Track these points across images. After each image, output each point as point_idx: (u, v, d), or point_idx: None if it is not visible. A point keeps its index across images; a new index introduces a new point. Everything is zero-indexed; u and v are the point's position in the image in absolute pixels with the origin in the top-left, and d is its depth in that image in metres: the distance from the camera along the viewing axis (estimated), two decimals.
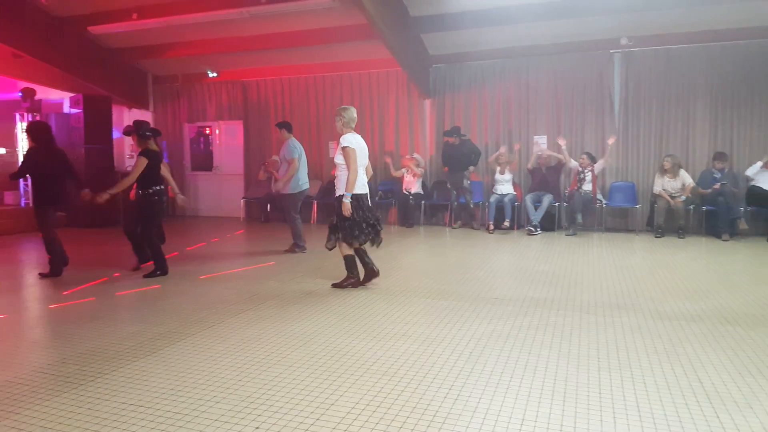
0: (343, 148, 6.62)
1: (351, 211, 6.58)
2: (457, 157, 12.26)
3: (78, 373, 4.24)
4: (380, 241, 7.02)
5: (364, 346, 4.80)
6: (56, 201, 7.97)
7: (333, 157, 7.32)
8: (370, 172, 7.12)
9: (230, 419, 3.48)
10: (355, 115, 6.89)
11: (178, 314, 5.87)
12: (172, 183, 8.87)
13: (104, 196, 7.70)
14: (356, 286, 6.95)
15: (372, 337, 5.05)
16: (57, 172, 7.92)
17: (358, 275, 6.98)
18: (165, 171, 8.39)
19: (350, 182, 6.57)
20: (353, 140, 6.69)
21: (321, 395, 3.81)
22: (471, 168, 12.40)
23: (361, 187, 6.75)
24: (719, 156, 10.94)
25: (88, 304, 6.33)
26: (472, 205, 12.40)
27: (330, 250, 7.01)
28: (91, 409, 3.64)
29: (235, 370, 4.26)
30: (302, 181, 9.39)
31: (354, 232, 6.69)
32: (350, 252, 6.87)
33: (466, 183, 12.25)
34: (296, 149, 9.33)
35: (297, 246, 9.51)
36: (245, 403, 3.70)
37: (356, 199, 6.67)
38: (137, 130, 7.85)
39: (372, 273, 6.99)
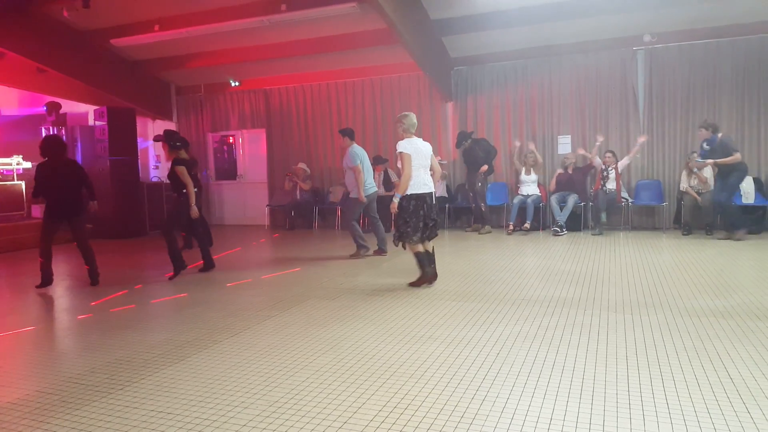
0: (399, 153, 7.09)
1: (398, 209, 7.02)
2: (470, 158, 12.26)
3: (107, 382, 4.27)
4: (431, 237, 7.27)
5: (390, 349, 4.80)
6: (62, 215, 7.91)
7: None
8: (439, 171, 7.61)
9: (258, 424, 3.49)
10: (415, 120, 7.34)
11: (205, 322, 5.90)
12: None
13: (194, 210, 8.25)
14: (431, 283, 7.24)
15: (398, 340, 5.04)
16: (67, 185, 7.90)
17: (428, 271, 7.22)
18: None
19: (402, 184, 7.03)
20: (408, 145, 7.07)
21: (348, 399, 3.80)
22: (485, 167, 12.25)
23: (422, 186, 7.09)
24: (704, 124, 10.40)
25: (117, 314, 6.39)
26: (484, 208, 12.31)
27: (396, 246, 7.34)
28: (120, 417, 3.67)
29: (262, 376, 4.27)
30: (368, 185, 9.43)
31: (408, 230, 7.04)
32: (419, 249, 7.16)
33: (478, 185, 12.19)
34: (357, 156, 9.32)
35: (361, 248, 9.47)
36: (273, 408, 3.71)
37: (416, 198, 7.04)
38: (168, 139, 8.34)
39: (430, 277, 7.30)
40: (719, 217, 10.63)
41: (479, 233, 12.06)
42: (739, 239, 9.93)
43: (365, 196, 9.34)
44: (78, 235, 8.01)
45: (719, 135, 10.18)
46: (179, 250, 8.38)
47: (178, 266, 8.31)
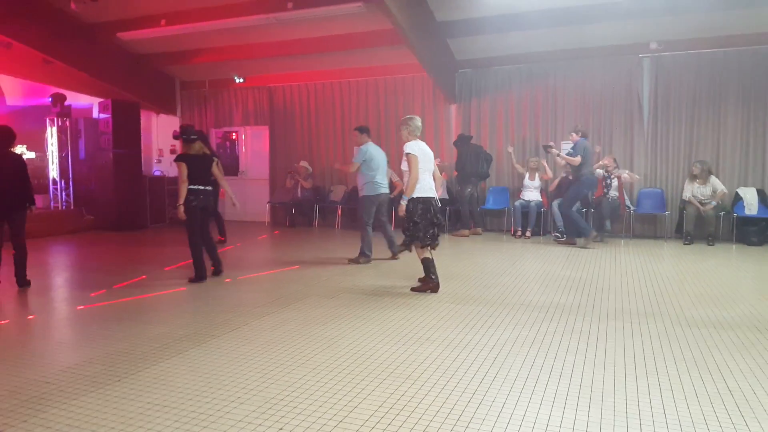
0: (406, 155, 7.02)
1: (406, 213, 6.93)
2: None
3: (104, 374, 4.27)
4: (437, 244, 7.14)
5: (387, 349, 4.79)
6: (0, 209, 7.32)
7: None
8: (439, 178, 7.51)
9: (254, 420, 3.49)
10: (420, 123, 7.35)
11: (203, 316, 5.90)
12: (223, 182, 8.55)
13: (180, 211, 7.50)
14: (435, 291, 7.00)
15: (396, 341, 5.04)
16: (7, 179, 7.28)
17: (437, 279, 7.05)
18: (217, 171, 8.20)
19: (410, 186, 6.92)
20: (416, 147, 7.05)
21: (344, 398, 3.80)
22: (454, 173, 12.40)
23: (428, 190, 7.01)
24: (574, 129, 10.75)
25: (116, 306, 6.39)
26: (470, 212, 12.37)
27: (402, 251, 7.52)
28: (117, 408, 3.67)
29: (259, 372, 4.27)
30: (380, 185, 9.06)
31: (418, 233, 6.90)
32: (427, 255, 7.02)
33: (457, 188, 12.27)
34: (362, 154, 8.99)
35: (363, 255, 9.00)
36: (269, 404, 3.71)
37: (423, 202, 6.93)
38: (182, 134, 7.94)
39: (434, 285, 7.09)
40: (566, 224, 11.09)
41: (478, 234, 12.14)
42: (583, 246, 10.43)
43: (374, 195, 9.01)
44: (15, 232, 7.41)
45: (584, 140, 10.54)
46: (202, 258, 7.82)
47: (200, 274, 7.73)
